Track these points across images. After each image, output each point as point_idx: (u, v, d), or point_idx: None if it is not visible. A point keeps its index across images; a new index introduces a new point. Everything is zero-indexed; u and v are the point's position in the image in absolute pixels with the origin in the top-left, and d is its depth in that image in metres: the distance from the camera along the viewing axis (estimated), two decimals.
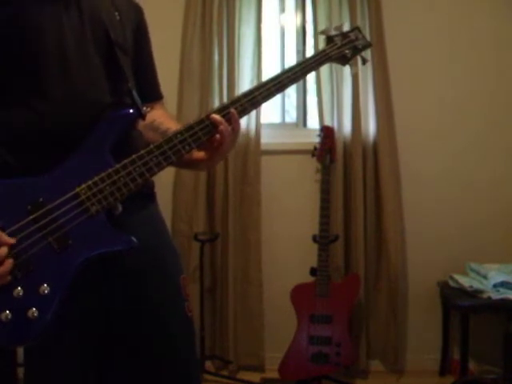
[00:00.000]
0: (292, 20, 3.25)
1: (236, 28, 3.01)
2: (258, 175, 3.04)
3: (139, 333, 1.20)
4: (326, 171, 2.85)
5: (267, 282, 3.08)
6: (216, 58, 3.04)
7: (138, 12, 1.36)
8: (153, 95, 1.41)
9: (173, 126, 1.33)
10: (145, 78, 1.37)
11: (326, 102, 3.01)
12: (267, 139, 3.08)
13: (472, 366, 2.83)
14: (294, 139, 3.17)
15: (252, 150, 3.03)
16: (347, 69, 3.13)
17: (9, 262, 1.00)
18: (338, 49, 1.40)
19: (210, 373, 2.98)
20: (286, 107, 3.35)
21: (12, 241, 1.02)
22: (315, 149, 2.91)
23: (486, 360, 2.87)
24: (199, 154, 1.25)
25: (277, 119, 3.32)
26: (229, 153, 1.27)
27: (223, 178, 3.04)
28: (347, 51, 1.42)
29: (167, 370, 1.22)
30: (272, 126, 3.26)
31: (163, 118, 1.37)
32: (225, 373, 3.06)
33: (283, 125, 3.32)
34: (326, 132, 2.91)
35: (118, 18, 1.25)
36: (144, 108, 1.22)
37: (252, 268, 3.06)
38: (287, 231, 3.13)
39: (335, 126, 2.99)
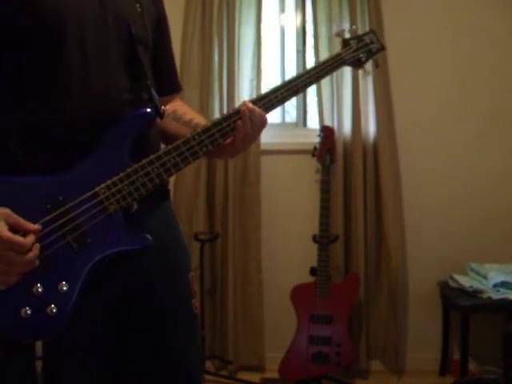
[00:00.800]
0: (292, 20, 3.25)
1: (236, 28, 3.02)
2: (257, 175, 3.05)
3: (148, 328, 1.21)
4: (325, 171, 2.85)
5: (267, 281, 3.08)
6: (216, 58, 3.04)
7: (158, 1, 1.35)
8: (172, 87, 1.41)
9: (195, 117, 1.33)
10: (164, 69, 1.37)
11: (326, 102, 3.01)
12: (267, 139, 3.08)
13: (472, 366, 2.83)
14: (294, 139, 3.17)
15: (252, 149, 3.02)
16: (347, 68, 3.13)
17: (36, 247, 1.02)
18: (353, 52, 1.39)
19: (210, 373, 2.98)
20: (286, 107, 3.35)
21: (37, 227, 1.03)
22: (315, 149, 2.91)
23: (486, 360, 2.86)
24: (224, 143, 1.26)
25: (277, 119, 3.32)
26: (250, 145, 1.27)
27: (223, 177, 3.04)
28: (362, 55, 1.41)
29: (170, 367, 1.23)
30: (272, 125, 3.26)
31: (184, 108, 1.38)
32: (225, 373, 3.06)
33: (283, 125, 3.32)
34: (326, 132, 2.91)
35: (138, 10, 1.23)
36: (162, 107, 1.22)
37: (252, 268, 3.06)
38: (287, 231, 3.13)
39: (335, 125, 2.99)
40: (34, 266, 1.02)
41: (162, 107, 1.22)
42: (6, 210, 1.00)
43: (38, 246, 1.02)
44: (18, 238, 0.99)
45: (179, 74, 3.17)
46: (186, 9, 3.03)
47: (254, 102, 1.24)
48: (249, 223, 3.06)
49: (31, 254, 1.01)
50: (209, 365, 3.07)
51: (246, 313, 3.07)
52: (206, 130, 1.18)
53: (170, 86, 1.40)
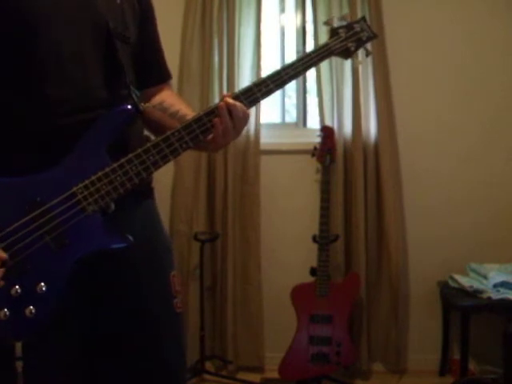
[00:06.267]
0: (292, 20, 3.24)
1: (236, 28, 3.01)
2: (257, 175, 3.04)
3: (125, 329, 1.21)
4: (326, 171, 2.85)
5: (267, 282, 3.08)
6: (216, 58, 3.04)
7: None
8: (161, 76, 1.40)
9: (183, 108, 1.31)
10: (151, 59, 1.36)
11: (326, 102, 3.01)
12: (267, 139, 3.08)
13: (472, 366, 2.83)
14: (294, 139, 3.17)
15: (252, 149, 3.03)
16: (348, 68, 3.12)
17: (1, 271, 1.01)
18: (342, 42, 1.32)
19: (210, 373, 2.98)
20: (286, 107, 3.35)
21: (4, 255, 1.02)
22: (315, 149, 2.91)
23: (486, 360, 2.86)
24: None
25: (277, 119, 3.32)
26: (233, 139, 1.23)
27: (223, 177, 3.04)
28: (351, 44, 1.33)
29: (151, 366, 1.22)
30: (272, 125, 3.26)
31: (172, 99, 1.35)
32: (225, 373, 3.05)
33: (283, 125, 3.32)
34: (326, 132, 2.90)
35: (118, 2, 1.21)
36: (142, 104, 1.20)
37: (252, 268, 3.06)
38: (287, 231, 3.13)
39: (335, 125, 2.99)
40: None
41: (142, 104, 1.20)
42: None
43: (2, 270, 1.00)
44: None
45: (179, 74, 3.17)
46: (185, 9, 3.03)
47: (236, 96, 1.20)
48: (248, 223, 3.06)
49: None
50: (209, 365, 3.06)
51: (245, 313, 3.07)
52: (187, 126, 1.16)
53: (156, 75, 1.38)
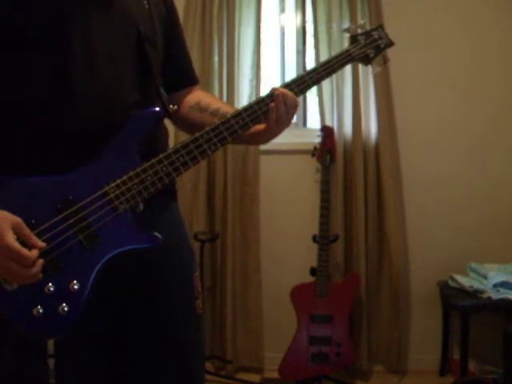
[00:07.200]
0: (292, 20, 3.25)
1: (236, 28, 3.01)
2: (257, 175, 3.04)
3: (151, 328, 1.22)
4: (325, 171, 2.85)
5: (267, 281, 3.08)
6: (216, 57, 3.04)
7: None
8: (191, 79, 1.42)
9: (222, 105, 1.33)
10: (180, 63, 1.38)
11: (326, 102, 3.00)
12: None
13: (472, 366, 2.82)
14: (293, 139, 3.16)
15: (251, 149, 3.03)
16: (348, 68, 3.12)
17: (39, 263, 1.02)
18: (361, 49, 1.38)
19: (209, 373, 2.98)
20: None
21: (43, 245, 1.03)
22: (315, 149, 2.91)
23: (486, 360, 2.86)
24: (258, 127, 1.26)
25: None
26: (286, 128, 1.31)
27: (223, 177, 3.04)
28: (370, 51, 1.39)
29: (172, 367, 1.23)
30: None
31: (208, 98, 1.38)
32: (224, 373, 3.05)
33: None
34: (326, 132, 2.90)
35: (146, 7, 1.23)
36: (170, 106, 1.22)
37: (251, 268, 3.06)
38: (287, 231, 3.12)
39: (335, 125, 2.98)
40: (36, 280, 1.02)
41: (171, 106, 1.22)
42: (18, 220, 1.00)
43: (41, 261, 1.02)
44: (23, 251, 0.99)
45: None
46: (185, 8, 3.03)
47: (261, 100, 1.23)
48: (248, 223, 3.06)
49: (34, 270, 1.01)
50: (208, 365, 3.06)
51: (245, 313, 3.07)
52: (214, 128, 1.18)
53: (187, 78, 1.41)
